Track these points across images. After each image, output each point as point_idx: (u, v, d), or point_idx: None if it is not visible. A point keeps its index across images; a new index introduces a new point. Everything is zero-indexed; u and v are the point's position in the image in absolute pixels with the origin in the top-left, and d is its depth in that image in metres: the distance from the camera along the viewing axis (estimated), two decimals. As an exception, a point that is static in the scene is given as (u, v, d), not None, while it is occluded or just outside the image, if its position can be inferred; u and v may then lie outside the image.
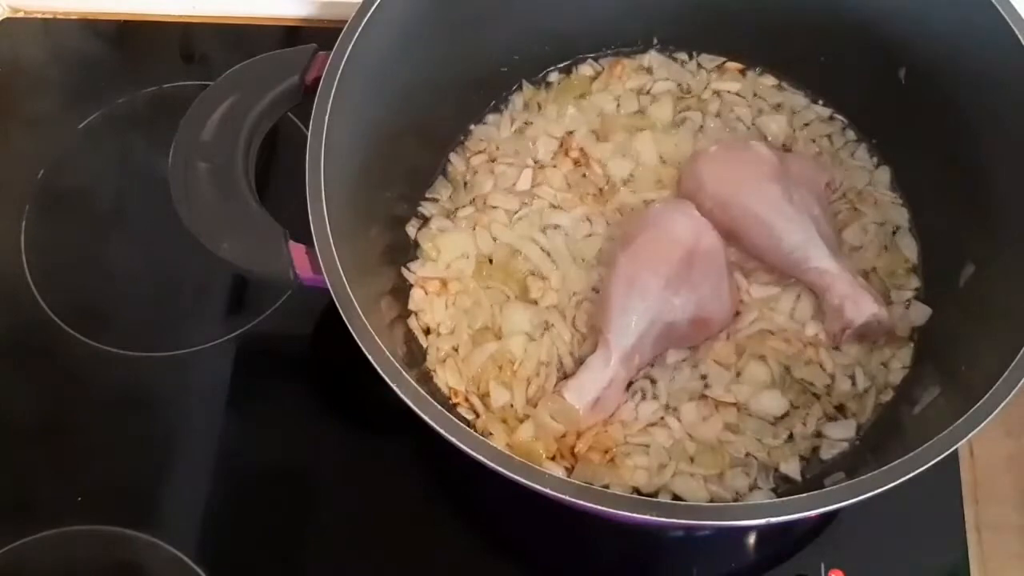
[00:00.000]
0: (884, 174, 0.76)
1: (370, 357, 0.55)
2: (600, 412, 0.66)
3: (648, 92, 0.80)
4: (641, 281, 0.66)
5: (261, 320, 0.77)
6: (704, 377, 0.68)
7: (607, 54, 0.82)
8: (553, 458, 0.66)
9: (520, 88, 0.81)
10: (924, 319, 0.69)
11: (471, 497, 0.71)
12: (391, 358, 0.55)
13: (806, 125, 0.78)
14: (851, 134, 0.78)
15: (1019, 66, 0.62)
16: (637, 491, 0.65)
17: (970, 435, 0.52)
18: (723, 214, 0.69)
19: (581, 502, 0.51)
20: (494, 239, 0.74)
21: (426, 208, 0.76)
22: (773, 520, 0.51)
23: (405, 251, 0.74)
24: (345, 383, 0.74)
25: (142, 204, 0.82)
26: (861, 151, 0.77)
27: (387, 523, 0.70)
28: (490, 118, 0.80)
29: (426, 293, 0.72)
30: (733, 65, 0.81)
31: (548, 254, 0.73)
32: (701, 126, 0.78)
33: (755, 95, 0.80)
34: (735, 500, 0.64)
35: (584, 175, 0.76)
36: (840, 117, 0.78)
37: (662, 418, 0.67)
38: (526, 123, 0.79)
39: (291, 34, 0.90)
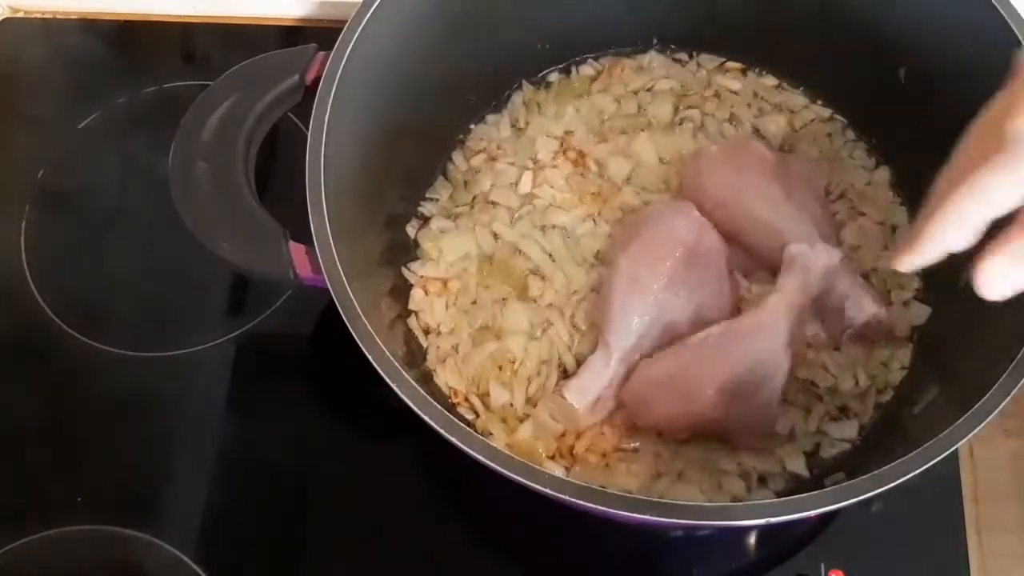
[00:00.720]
0: (884, 174, 0.76)
1: (370, 357, 0.55)
2: (600, 412, 0.66)
3: (648, 92, 0.80)
4: (641, 281, 0.66)
5: (261, 320, 0.77)
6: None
7: (607, 54, 0.82)
8: (552, 457, 0.66)
9: (520, 88, 0.81)
10: (924, 319, 0.69)
11: (471, 497, 0.71)
12: (391, 358, 0.55)
13: (806, 125, 0.78)
14: (851, 134, 0.78)
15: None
16: (634, 493, 0.65)
17: (970, 435, 0.52)
18: (723, 214, 0.69)
19: (581, 502, 0.51)
20: (495, 237, 0.74)
21: (426, 208, 0.76)
22: (773, 520, 0.51)
23: (405, 251, 0.74)
24: (345, 383, 0.74)
25: (142, 204, 0.82)
26: (861, 151, 0.77)
27: (387, 523, 0.70)
28: (490, 118, 0.80)
29: (426, 293, 0.72)
30: (733, 65, 0.81)
31: (548, 253, 0.73)
32: (701, 126, 0.78)
33: (755, 95, 0.80)
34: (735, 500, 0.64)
35: (584, 175, 0.76)
36: (840, 117, 0.78)
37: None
38: (526, 123, 0.79)
39: (291, 34, 0.90)
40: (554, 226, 0.74)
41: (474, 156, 0.78)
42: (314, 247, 0.58)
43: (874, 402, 0.67)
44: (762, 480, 0.65)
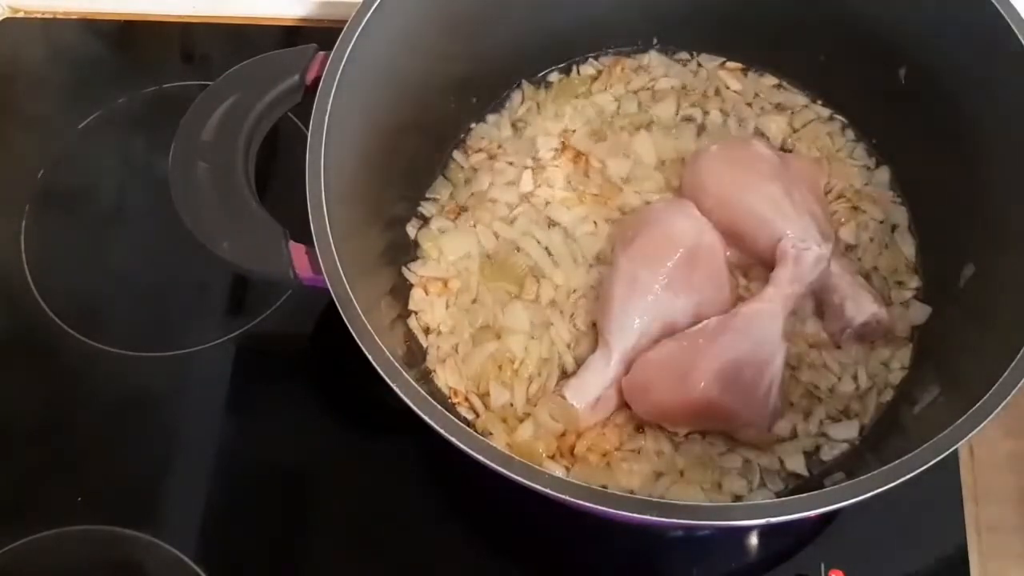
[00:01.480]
0: (883, 174, 0.76)
1: (370, 357, 0.55)
2: (601, 412, 0.66)
3: (648, 91, 0.80)
4: (642, 281, 0.66)
5: (261, 320, 0.77)
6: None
7: (607, 54, 0.82)
8: (553, 457, 0.66)
9: (520, 87, 0.81)
10: (924, 319, 0.69)
11: (471, 497, 0.71)
12: (391, 358, 0.55)
13: (806, 125, 0.78)
14: (851, 134, 0.78)
15: (1019, 66, 0.62)
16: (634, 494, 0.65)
17: (970, 435, 0.52)
18: (723, 213, 0.69)
19: (581, 502, 0.51)
20: (496, 235, 0.74)
21: (426, 208, 0.76)
22: (773, 520, 0.51)
23: (405, 251, 0.74)
24: (345, 383, 0.74)
25: (142, 204, 0.82)
26: (860, 151, 0.77)
27: (387, 523, 0.70)
28: (490, 117, 0.80)
29: (427, 293, 0.72)
30: (733, 65, 0.81)
31: (548, 252, 0.73)
32: (701, 126, 0.78)
33: (755, 95, 0.80)
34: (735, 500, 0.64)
35: (584, 175, 0.76)
36: (840, 117, 0.78)
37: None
38: (526, 122, 0.79)
39: (291, 34, 0.90)
40: (554, 225, 0.74)
41: (474, 155, 0.78)
42: (314, 247, 0.58)
43: (875, 402, 0.67)
44: (762, 480, 0.65)
